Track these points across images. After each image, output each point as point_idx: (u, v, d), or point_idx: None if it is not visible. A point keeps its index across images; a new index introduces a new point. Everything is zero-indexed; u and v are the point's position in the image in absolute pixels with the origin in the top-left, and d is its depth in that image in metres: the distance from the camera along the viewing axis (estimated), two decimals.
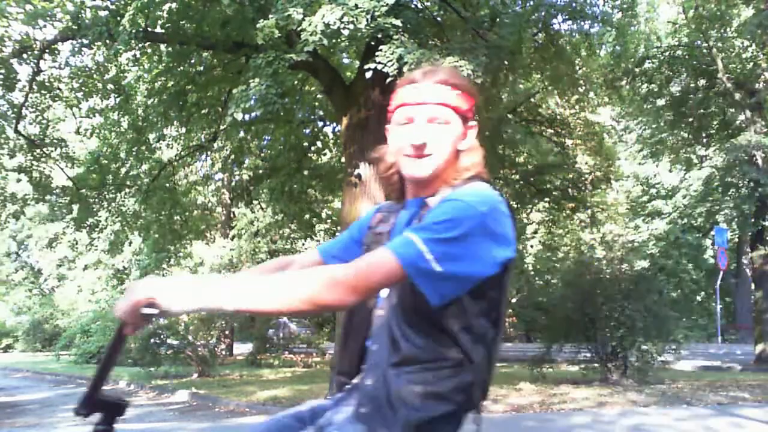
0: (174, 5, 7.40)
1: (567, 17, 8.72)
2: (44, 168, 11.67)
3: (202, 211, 19.86)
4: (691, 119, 17.52)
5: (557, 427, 6.26)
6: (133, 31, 6.92)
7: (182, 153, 12.49)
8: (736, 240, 20.26)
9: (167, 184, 11.93)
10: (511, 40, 7.60)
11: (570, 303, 9.59)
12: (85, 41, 7.98)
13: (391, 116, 1.33)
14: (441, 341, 1.18)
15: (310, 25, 6.28)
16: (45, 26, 8.77)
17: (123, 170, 11.47)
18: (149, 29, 7.90)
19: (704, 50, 16.02)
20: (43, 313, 28.57)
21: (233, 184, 21.25)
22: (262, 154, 13.89)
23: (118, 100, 10.54)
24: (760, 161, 14.31)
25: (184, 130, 11.52)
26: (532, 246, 29.44)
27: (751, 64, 15.44)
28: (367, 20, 6.29)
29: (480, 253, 1.14)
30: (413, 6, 8.19)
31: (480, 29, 7.79)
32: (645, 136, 21.56)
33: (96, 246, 13.35)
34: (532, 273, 30.39)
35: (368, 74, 6.78)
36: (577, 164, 16.08)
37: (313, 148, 12.98)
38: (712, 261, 25.46)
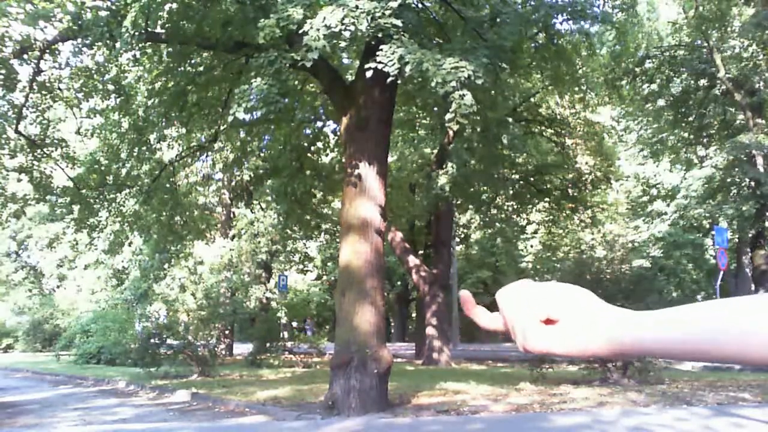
0: (174, 5, 7.41)
1: (567, 17, 8.72)
2: (45, 168, 11.68)
3: (202, 211, 19.86)
4: (691, 119, 17.53)
5: (557, 427, 6.27)
6: (135, 32, 6.93)
7: (183, 153, 12.50)
8: (736, 240, 20.27)
9: (168, 185, 11.94)
10: (512, 40, 7.60)
11: None
12: (86, 41, 7.98)
13: None
14: None
15: (312, 29, 6.29)
16: (45, 26, 8.78)
17: (123, 171, 11.46)
18: (150, 29, 7.91)
19: (704, 50, 16.02)
20: (43, 313, 28.57)
21: (233, 184, 21.28)
22: (263, 155, 13.90)
23: (118, 100, 10.54)
24: (760, 161, 14.32)
25: (184, 130, 11.52)
26: (532, 246, 29.46)
27: (751, 64, 15.46)
28: (367, 21, 6.29)
29: None
30: (414, 6, 8.20)
31: (481, 29, 7.80)
32: (645, 136, 21.58)
33: (96, 246, 13.36)
34: (532, 273, 30.39)
35: (369, 74, 6.78)
36: (577, 164, 16.10)
37: (313, 149, 12.99)
38: (712, 261, 25.45)
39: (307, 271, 28.50)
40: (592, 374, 9.87)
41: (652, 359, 9.36)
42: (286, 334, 20.57)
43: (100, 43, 7.90)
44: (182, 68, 9.61)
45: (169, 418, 7.94)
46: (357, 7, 6.21)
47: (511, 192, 16.56)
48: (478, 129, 8.68)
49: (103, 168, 11.48)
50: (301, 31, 6.42)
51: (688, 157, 20.70)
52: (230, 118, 7.83)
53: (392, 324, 37.95)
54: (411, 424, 6.69)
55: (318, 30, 6.21)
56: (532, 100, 15.42)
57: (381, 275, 8.19)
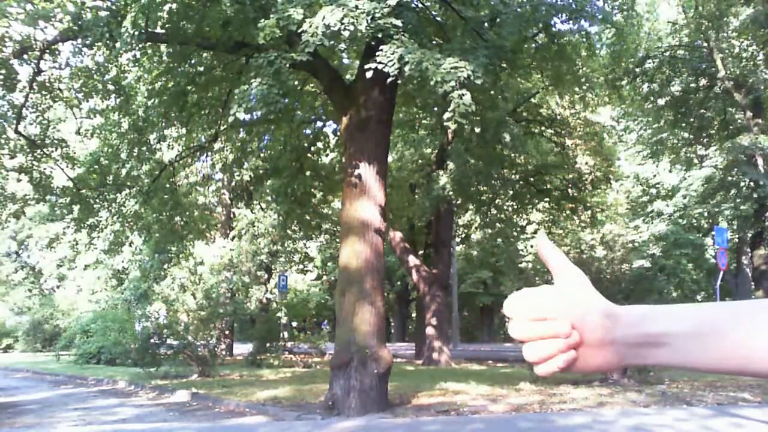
0: (174, 6, 7.41)
1: (567, 17, 8.72)
2: (45, 168, 11.68)
3: (202, 211, 19.86)
4: (691, 119, 17.54)
5: (557, 427, 6.27)
6: (134, 32, 6.93)
7: (183, 153, 12.49)
8: (736, 240, 20.29)
9: (168, 185, 11.94)
10: (512, 39, 7.61)
11: None
12: (86, 41, 7.98)
13: None
14: None
15: (310, 26, 6.30)
16: (45, 27, 8.78)
17: (123, 171, 11.47)
18: (150, 30, 7.91)
19: (704, 50, 16.03)
20: (43, 313, 28.57)
21: (233, 184, 21.28)
22: (263, 155, 13.90)
23: (118, 100, 10.54)
24: (760, 162, 14.32)
25: (184, 130, 11.52)
26: (532, 246, 29.44)
27: (751, 63, 15.47)
28: (367, 21, 6.30)
29: None
30: (414, 6, 8.20)
31: (480, 29, 7.80)
32: (645, 136, 21.59)
33: (95, 246, 13.37)
34: (532, 273, 30.37)
35: (369, 74, 6.79)
36: (577, 164, 16.09)
37: (313, 149, 13.00)
38: (712, 261, 25.44)
39: (307, 271, 28.54)
40: (592, 374, 9.88)
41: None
42: (286, 334, 20.57)
43: (100, 43, 7.90)
44: (182, 68, 9.62)
45: (169, 418, 7.94)
46: (356, 7, 6.22)
47: (511, 192, 16.56)
48: (477, 129, 8.68)
49: (102, 168, 11.48)
50: (300, 30, 6.43)
51: (688, 157, 20.71)
52: (230, 119, 7.83)
53: (392, 324, 37.95)
54: (411, 424, 6.70)
55: (317, 27, 6.22)
56: (532, 100, 15.42)
57: (381, 275, 8.19)
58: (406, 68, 6.33)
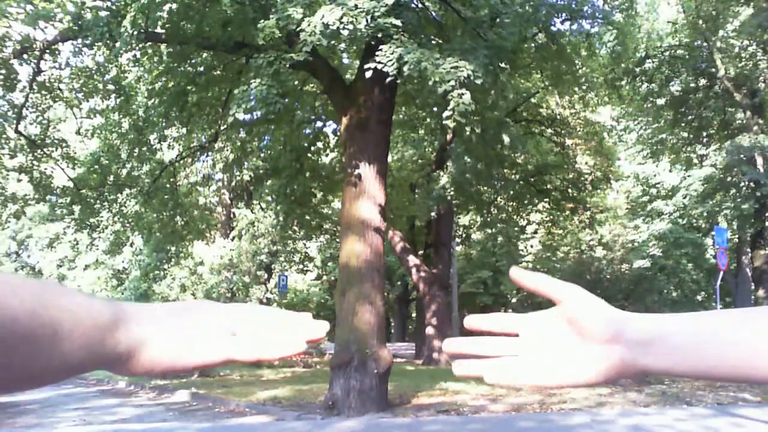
0: (174, 6, 7.40)
1: (567, 17, 8.73)
2: (45, 168, 11.68)
3: (202, 211, 19.85)
4: (691, 119, 17.54)
5: (557, 427, 6.27)
6: (134, 31, 6.93)
7: (183, 154, 12.50)
8: (736, 240, 20.28)
9: (168, 185, 11.94)
10: (512, 39, 7.61)
11: None
12: (86, 41, 7.99)
13: None
14: None
15: (309, 25, 6.30)
16: (45, 27, 8.78)
17: (124, 171, 11.47)
18: (150, 29, 7.91)
19: (704, 50, 16.04)
20: None
21: (233, 184, 21.28)
22: (263, 155, 13.91)
23: (118, 100, 10.54)
24: (760, 161, 14.32)
25: (184, 130, 11.52)
26: (532, 246, 29.46)
27: (751, 64, 15.46)
28: (366, 21, 6.30)
29: None
30: (413, 6, 8.20)
31: (480, 29, 7.80)
32: (645, 136, 21.59)
33: (96, 246, 13.35)
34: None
35: (368, 74, 6.79)
36: (577, 164, 16.10)
37: (313, 149, 13.00)
38: (712, 261, 25.44)
39: (307, 271, 28.52)
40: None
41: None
42: None
43: (100, 43, 7.91)
44: (182, 68, 9.62)
45: (169, 418, 7.95)
46: (356, 6, 6.22)
47: (511, 192, 16.57)
48: (477, 129, 8.68)
49: (103, 168, 11.49)
50: (299, 30, 6.43)
51: (688, 156, 20.71)
52: (230, 119, 7.84)
53: (392, 324, 37.95)
54: (411, 424, 6.70)
55: (315, 26, 6.22)
56: (532, 100, 15.42)
57: (381, 275, 8.19)
58: (406, 68, 6.34)
